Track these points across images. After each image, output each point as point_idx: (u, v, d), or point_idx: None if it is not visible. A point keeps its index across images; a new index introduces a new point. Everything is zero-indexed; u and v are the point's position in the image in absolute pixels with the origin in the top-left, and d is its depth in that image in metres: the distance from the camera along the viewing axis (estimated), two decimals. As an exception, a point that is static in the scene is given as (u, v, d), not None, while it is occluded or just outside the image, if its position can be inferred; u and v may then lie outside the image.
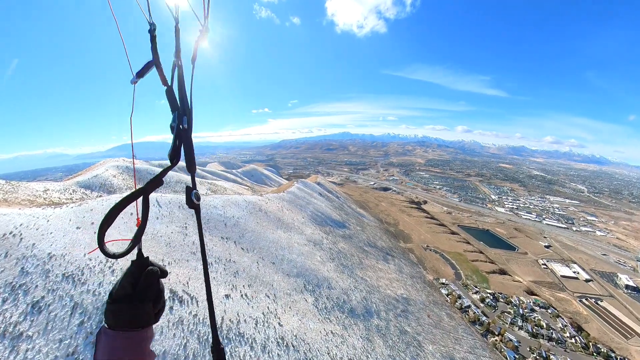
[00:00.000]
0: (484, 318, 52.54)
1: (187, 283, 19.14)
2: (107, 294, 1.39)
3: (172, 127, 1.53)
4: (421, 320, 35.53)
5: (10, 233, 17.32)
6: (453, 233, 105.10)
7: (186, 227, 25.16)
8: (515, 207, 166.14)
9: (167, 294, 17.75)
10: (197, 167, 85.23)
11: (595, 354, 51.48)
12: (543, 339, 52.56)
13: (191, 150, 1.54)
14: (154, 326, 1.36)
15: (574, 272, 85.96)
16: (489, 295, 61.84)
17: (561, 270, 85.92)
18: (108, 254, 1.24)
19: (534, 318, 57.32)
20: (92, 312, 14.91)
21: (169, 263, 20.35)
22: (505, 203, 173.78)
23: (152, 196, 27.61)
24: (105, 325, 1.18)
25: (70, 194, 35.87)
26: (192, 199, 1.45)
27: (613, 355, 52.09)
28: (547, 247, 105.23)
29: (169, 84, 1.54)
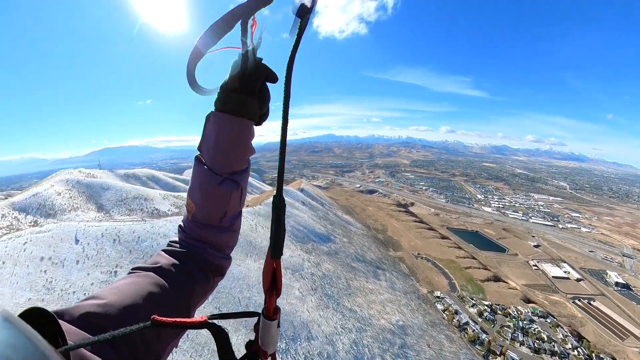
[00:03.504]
0: (483, 336, 48.29)
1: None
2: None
3: None
4: (422, 354, 30.54)
5: None
6: (443, 237, 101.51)
7: (116, 272, 19.04)
8: (501, 206, 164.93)
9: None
10: (170, 176, 75.97)
11: (599, 366, 48.61)
12: (546, 354, 48.99)
13: None
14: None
15: (565, 272, 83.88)
16: (486, 307, 57.79)
17: (552, 270, 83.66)
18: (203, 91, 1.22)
19: (534, 330, 53.76)
20: None
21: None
22: (492, 202, 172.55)
23: (72, 229, 21.42)
24: (213, 110, 1.25)
25: None
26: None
27: (616, 364, 49.42)
28: (536, 246, 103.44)
29: None
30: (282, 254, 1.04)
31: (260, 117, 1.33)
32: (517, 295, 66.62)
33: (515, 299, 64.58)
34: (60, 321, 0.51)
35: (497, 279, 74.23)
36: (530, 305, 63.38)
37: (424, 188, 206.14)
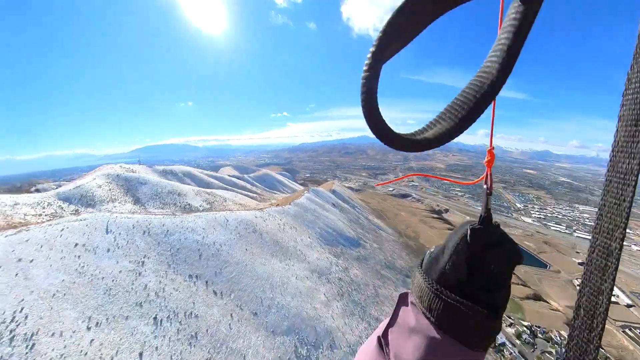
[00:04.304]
0: (522, 361, 44.41)
1: (111, 360, 13.04)
2: (420, 264, 0.72)
3: None
4: (451, 372, 28.26)
5: None
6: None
7: (143, 262, 19.25)
8: (542, 216, 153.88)
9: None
10: (206, 173, 78.17)
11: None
12: (593, 385, 44.03)
13: None
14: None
15: (614, 296, 75.64)
16: (525, 329, 53.16)
17: (601, 292, 76.08)
18: (395, 139, 0.61)
19: None
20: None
21: (97, 324, 14.43)
22: (532, 212, 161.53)
23: (106, 219, 21.92)
24: (425, 312, 0.73)
25: (43, 208, 30.91)
26: None
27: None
28: (581, 264, 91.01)
29: None
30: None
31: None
32: (560, 319, 61.09)
33: (557, 323, 59.19)
34: None
35: (537, 297, 68.63)
36: (576, 329, 57.74)
37: (459, 194, 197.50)
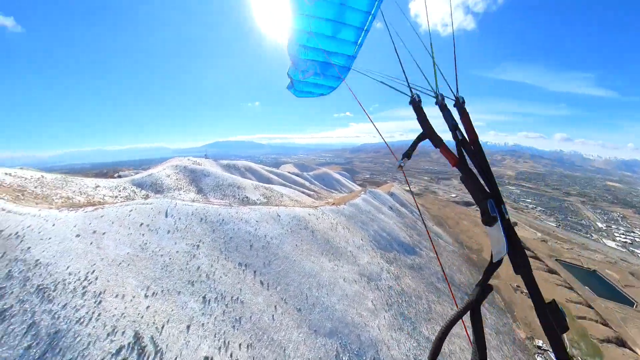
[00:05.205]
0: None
1: (162, 328, 14.13)
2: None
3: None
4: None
5: (15, 234, 15.80)
6: (551, 271, 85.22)
7: (198, 246, 20.29)
8: (629, 241, 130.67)
9: (128, 338, 12.77)
10: (266, 169, 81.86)
11: None
12: None
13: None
14: None
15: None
16: (605, 378, 45.03)
17: None
18: None
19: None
20: (43, 338, 11.76)
21: (153, 294, 15.61)
22: (616, 235, 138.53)
23: (168, 205, 23.42)
24: None
25: (119, 191, 34.87)
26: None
27: None
28: (679, 306, 78.63)
29: None
30: None
31: None
32: (651, 374, 50.88)
33: (647, 377, 49.31)
34: None
35: (620, 342, 57.62)
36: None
37: (530, 206, 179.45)
